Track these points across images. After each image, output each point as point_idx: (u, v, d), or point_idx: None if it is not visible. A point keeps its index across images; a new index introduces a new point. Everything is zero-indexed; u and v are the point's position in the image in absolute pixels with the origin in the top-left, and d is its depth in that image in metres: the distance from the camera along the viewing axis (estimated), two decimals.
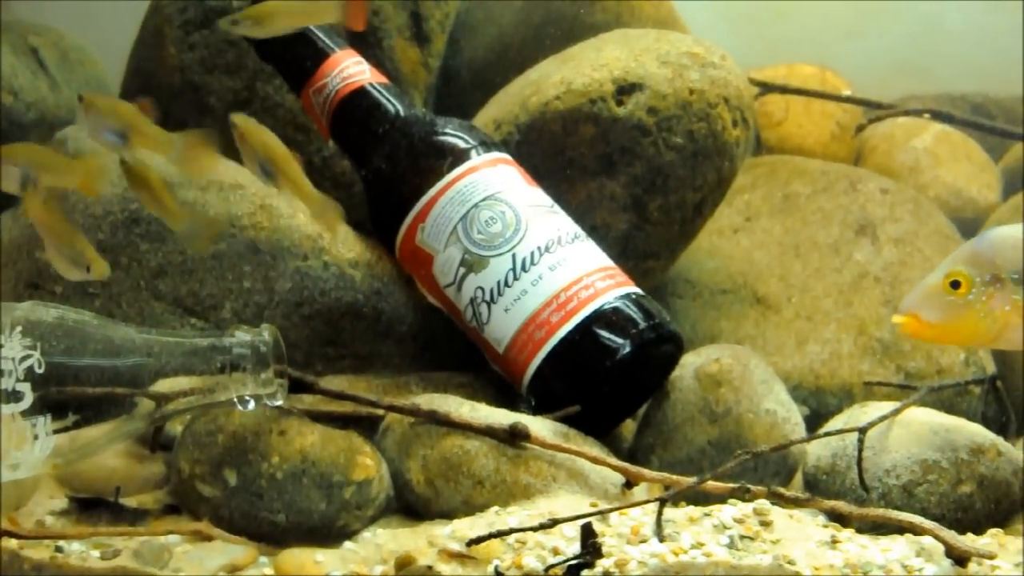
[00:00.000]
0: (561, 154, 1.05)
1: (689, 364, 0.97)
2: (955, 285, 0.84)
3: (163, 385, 0.81)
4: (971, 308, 0.84)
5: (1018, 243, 0.84)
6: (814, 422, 1.01)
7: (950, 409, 0.99)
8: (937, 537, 0.79)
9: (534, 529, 0.78)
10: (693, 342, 1.08)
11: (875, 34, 1.62)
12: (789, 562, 0.77)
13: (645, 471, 0.88)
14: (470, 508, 0.85)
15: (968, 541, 0.80)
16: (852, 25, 1.63)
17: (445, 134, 1.00)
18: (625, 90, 1.04)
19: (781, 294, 1.12)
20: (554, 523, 0.78)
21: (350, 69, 1.03)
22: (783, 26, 1.61)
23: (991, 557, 0.77)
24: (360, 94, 1.02)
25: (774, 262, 1.16)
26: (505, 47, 1.32)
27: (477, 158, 0.99)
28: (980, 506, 0.88)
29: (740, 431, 0.93)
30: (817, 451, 0.94)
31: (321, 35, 1.04)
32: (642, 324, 0.94)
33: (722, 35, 1.43)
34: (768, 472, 0.93)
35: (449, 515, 0.85)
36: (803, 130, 1.41)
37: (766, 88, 1.32)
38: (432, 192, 0.97)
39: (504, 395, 0.98)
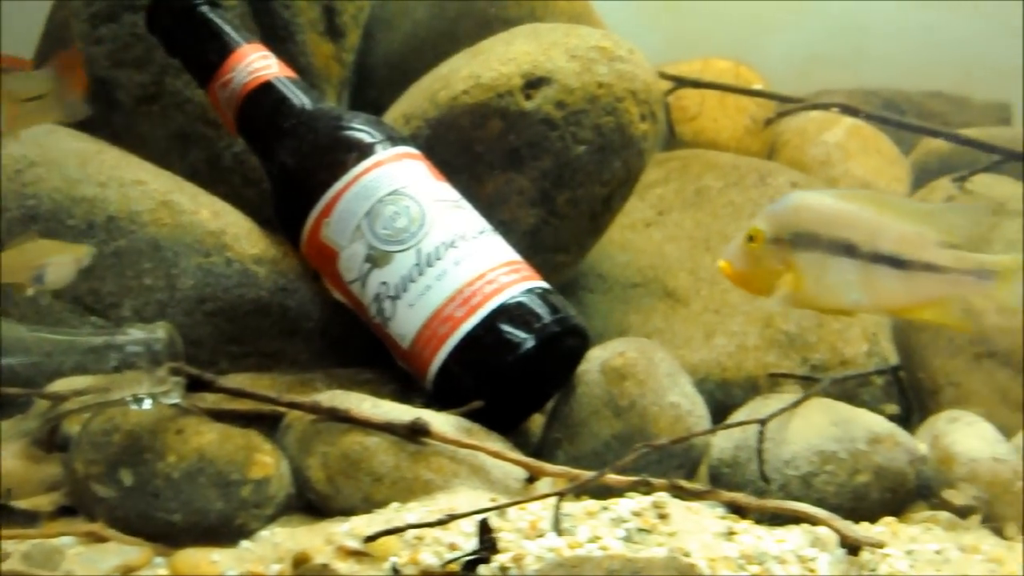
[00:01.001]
0: (470, 148, 1.05)
1: (595, 358, 0.97)
2: (751, 239, 0.89)
3: (59, 384, 0.80)
4: (758, 262, 0.89)
5: (801, 208, 0.88)
6: (723, 413, 1.02)
7: (852, 400, 1.00)
8: (830, 527, 0.80)
9: (431, 525, 0.78)
10: (604, 336, 1.08)
11: (792, 29, 1.64)
12: (684, 554, 0.77)
13: (547, 465, 0.88)
14: (370, 505, 0.84)
15: (861, 530, 0.81)
16: (769, 20, 1.64)
17: (351, 128, 1.00)
18: (533, 84, 1.04)
19: (690, 287, 1.13)
20: (451, 519, 0.78)
21: (257, 63, 1.02)
22: (701, 21, 1.62)
23: (880, 546, 0.78)
24: (266, 88, 1.02)
25: (684, 256, 1.17)
26: (420, 41, 1.31)
27: (383, 153, 0.98)
28: (876, 495, 0.89)
29: (644, 424, 0.93)
30: (721, 443, 0.95)
31: (228, 29, 1.03)
32: (546, 318, 0.94)
33: (640, 30, 1.44)
34: (672, 465, 0.93)
35: (350, 512, 0.84)
36: (717, 124, 1.42)
37: (680, 82, 1.33)
38: (337, 187, 0.97)
39: (413, 391, 0.98)
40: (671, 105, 1.37)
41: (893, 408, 1.05)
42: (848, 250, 0.87)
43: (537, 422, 1.02)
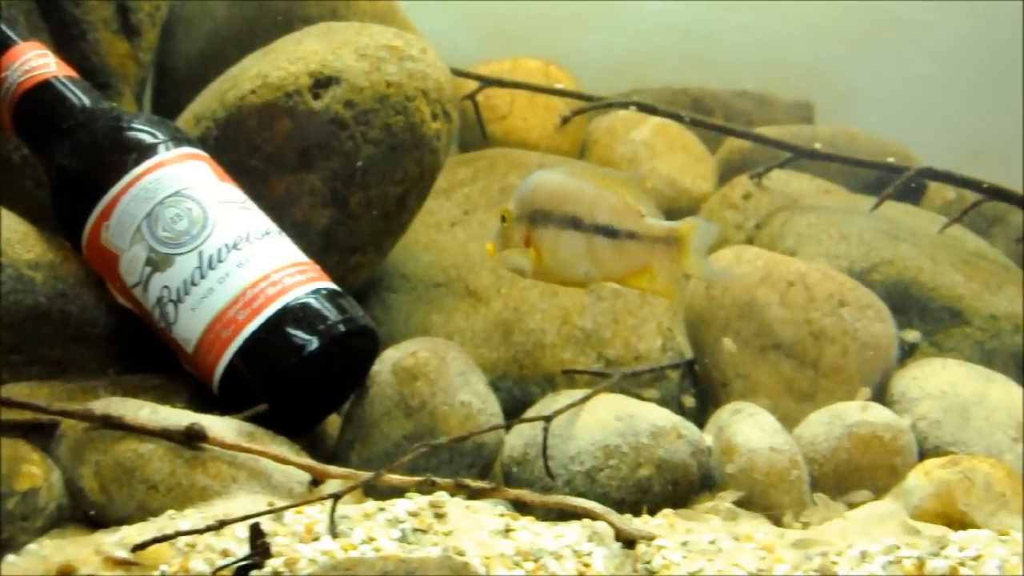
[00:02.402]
0: (259, 149, 1.03)
1: (388, 359, 0.97)
2: (503, 219, 0.92)
3: None
4: (509, 240, 0.93)
5: (536, 187, 0.92)
6: (521, 410, 1.02)
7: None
8: (606, 521, 0.81)
9: (201, 531, 0.77)
10: (406, 336, 1.07)
11: (607, 29, 1.65)
12: (459, 553, 0.77)
13: (331, 468, 0.87)
14: (145, 513, 0.82)
15: (636, 524, 0.82)
16: (585, 20, 1.66)
17: (131, 129, 0.97)
18: (322, 83, 1.03)
19: (492, 287, 1.13)
20: (222, 525, 0.77)
21: (33, 62, 0.99)
22: (516, 21, 1.62)
23: (652, 538, 0.79)
24: (43, 88, 0.98)
25: (487, 255, 1.17)
26: (221, 41, 1.29)
27: (165, 153, 0.96)
28: (658, 488, 0.90)
29: (435, 424, 0.93)
30: (512, 441, 0.95)
31: (1, 26, 1.00)
32: (332, 319, 0.93)
33: (454, 30, 1.44)
34: (464, 464, 0.93)
35: (125, 522, 0.82)
36: (527, 123, 1.42)
37: (485, 82, 1.33)
38: (116, 189, 0.94)
39: (203, 396, 0.96)
40: (480, 104, 1.37)
41: (690, 400, 1.07)
42: (574, 223, 0.89)
43: (335, 424, 1.01)
